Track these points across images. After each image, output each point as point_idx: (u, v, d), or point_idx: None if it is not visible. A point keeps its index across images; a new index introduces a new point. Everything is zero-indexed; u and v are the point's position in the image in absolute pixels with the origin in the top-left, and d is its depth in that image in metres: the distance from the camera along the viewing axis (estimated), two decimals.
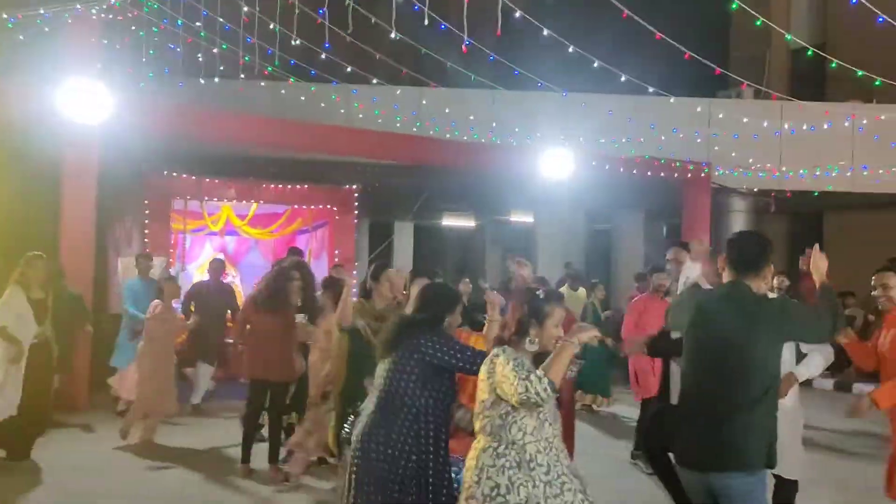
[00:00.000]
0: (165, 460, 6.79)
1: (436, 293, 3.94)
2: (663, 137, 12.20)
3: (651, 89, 10.38)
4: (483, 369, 3.37)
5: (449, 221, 20.70)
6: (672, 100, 11.76)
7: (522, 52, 11.63)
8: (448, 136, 11.71)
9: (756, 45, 17.30)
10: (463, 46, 8.33)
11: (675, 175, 12.07)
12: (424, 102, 12.33)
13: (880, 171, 12.10)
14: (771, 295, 3.77)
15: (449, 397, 3.79)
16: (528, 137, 11.68)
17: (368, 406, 3.78)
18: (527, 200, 16.63)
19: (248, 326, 6.48)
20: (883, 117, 12.29)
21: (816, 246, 3.85)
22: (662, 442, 5.19)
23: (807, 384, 5.21)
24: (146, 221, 10.68)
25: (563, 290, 9.83)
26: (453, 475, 3.75)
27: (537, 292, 3.78)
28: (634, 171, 11.66)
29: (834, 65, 9.86)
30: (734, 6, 8.25)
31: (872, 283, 4.79)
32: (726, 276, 3.60)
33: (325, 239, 12.24)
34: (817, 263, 3.80)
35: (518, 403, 3.18)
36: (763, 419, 3.35)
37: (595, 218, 17.37)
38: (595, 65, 10.05)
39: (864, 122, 12.49)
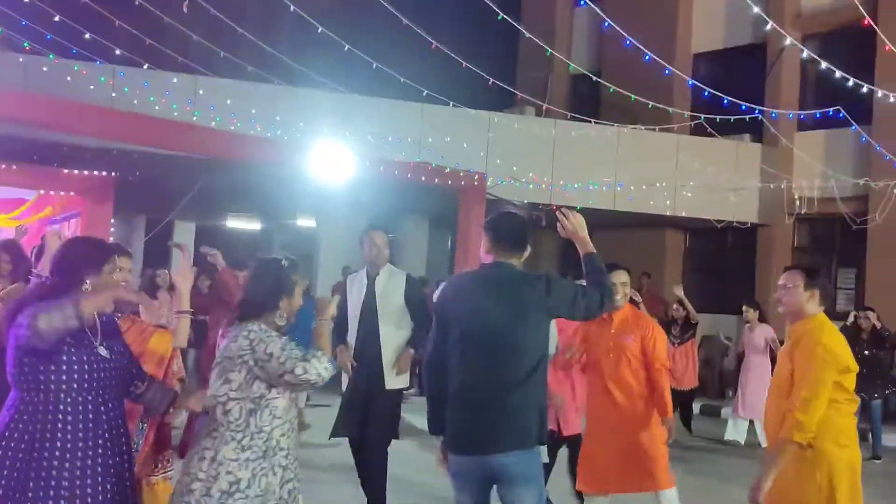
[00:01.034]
0: None
1: (70, 251, 3.19)
2: (444, 145, 12.27)
3: (443, 98, 10.43)
4: (234, 347, 3.04)
5: (233, 223, 19.89)
6: (455, 109, 11.89)
7: (308, 50, 11.35)
8: (232, 128, 11.12)
9: (541, 68, 18.04)
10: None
11: (450, 182, 12.15)
12: (201, 92, 11.67)
13: (631, 188, 12.82)
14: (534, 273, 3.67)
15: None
16: (298, 133, 11.30)
17: None
18: (310, 204, 16.28)
19: None
20: (643, 139, 13.10)
21: (566, 211, 3.72)
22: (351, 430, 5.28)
23: None
24: None
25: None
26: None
27: (283, 262, 3.40)
28: (409, 176, 11.61)
29: (612, 90, 10.34)
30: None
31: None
32: (488, 258, 3.53)
33: (77, 231, 11.19)
34: (575, 228, 3.65)
35: (292, 383, 3.03)
36: (534, 395, 3.38)
37: (379, 225, 17.25)
38: (376, 68, 10.00)
39: (627, 143, 13.29)
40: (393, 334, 5.27)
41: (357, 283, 5.42)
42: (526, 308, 3.38)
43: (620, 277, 4.79)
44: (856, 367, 3.73)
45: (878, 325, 9.29)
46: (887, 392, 9.51)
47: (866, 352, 8.95)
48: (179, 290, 3.86)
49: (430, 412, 3.59)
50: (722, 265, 16.20)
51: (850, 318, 9.64)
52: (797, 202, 13.54)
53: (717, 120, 9.93)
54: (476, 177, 12.58)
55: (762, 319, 9.67)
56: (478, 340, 3.39)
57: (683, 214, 13.87)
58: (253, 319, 3.13)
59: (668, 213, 13.86)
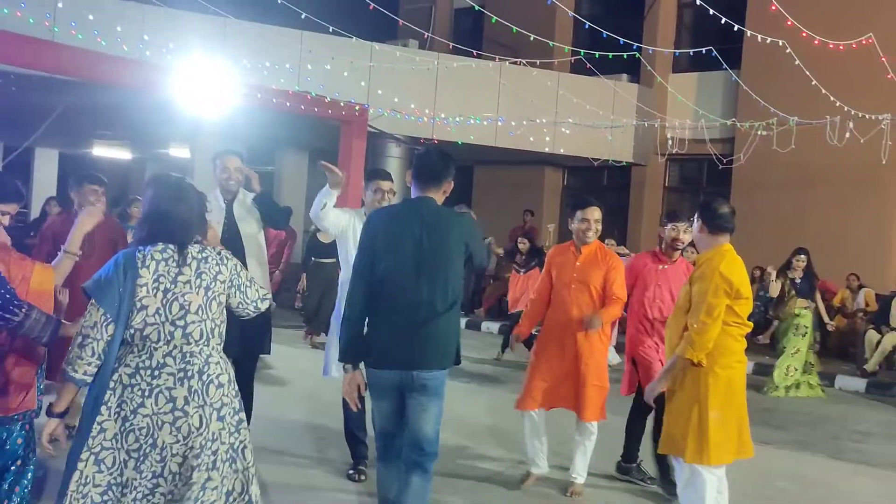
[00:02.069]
0: None
1: None
2: (324, 74, 11.90)
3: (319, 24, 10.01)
4: (226, 270, 3.03)
5: (101, 152, 18.90)
6: (336, 37, 11.50)
7: None
8: (96, 47, 10.37)
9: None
10: None
11: (331, 112, 11.87)
12: (60, 6, 10.82)
13: (512, 124, 12.89)
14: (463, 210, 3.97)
15: None
16: (169, 55, 10.70)
17: None
18: (184, 132, 15.62)
19: None
20: (525, 76, 13.13)
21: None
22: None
23: None
24: None
25: None
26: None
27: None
28: (288, 105, 11.26)
29: (494, 20, 10.23)
30: None
31: (581, 216, 5.06)
32: (414, 192, 3.78)
33: None
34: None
35: (254, 309, 3.17)
36: (455, 323, 3.72)
37: (257, 158, 16.79)
38: None
39: (509, 79, 13.31)
40: (256, 257, 5.19)
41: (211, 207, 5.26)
42: (451, 241, 3.65)
43: (594, 214, 5.06)
44: (749, 294, 3.98)
45: None
46: None
47: None
48: (75, 229, 3.57)
49: (348, 339, 3.72)
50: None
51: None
52: (669, 142, 14.00)
53: (597, 56, 10.06)
54: (357, 108, 12.35)
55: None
56: (410, 267, 3.62)
57: (562, 151, 14.10)
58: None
59: (547, 150, 14.05)
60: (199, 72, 10.36)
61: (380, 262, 3.66)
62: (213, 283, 2.97)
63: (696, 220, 4.11)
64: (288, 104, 11.33)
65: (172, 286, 2.90)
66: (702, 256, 4.07)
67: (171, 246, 2.95)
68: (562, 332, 4.99)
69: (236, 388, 3.02)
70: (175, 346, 2.88)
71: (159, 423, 2.82)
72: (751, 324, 4.06)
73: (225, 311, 3.05)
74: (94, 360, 2.86)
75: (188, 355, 2.89)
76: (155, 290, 2.89)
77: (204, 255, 3.00)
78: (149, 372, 2.84)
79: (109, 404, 2.84)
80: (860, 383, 10.07)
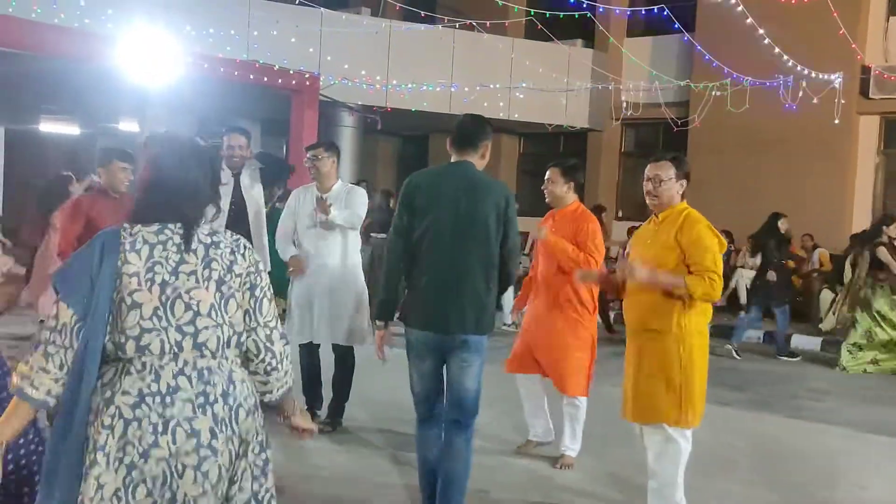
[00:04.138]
0: None
1: None
2: (272, 41, 11.54)
3: None
4: (242, 261, 2.34)
5: (48, 127, 18.32)
6: (282, 4, 11.17)
7: None
8: (33, 16, 9.92)
9: None
10: None
11: (281, 81, 11.57)
12: None
13: (466, 90, 12.70)
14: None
15: None
16: (109, 24, 10.29)
17: None
18: (131, 105, 15.17)
19: None
20: (478, 41, 12.94)
21: None
22: None
23: None
24: None
25: None
26: None
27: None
28: (236, 74, 10.92)
29: None
30: None
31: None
32: (453, 157, 3.82)
33: None
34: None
35: (265, 339, 2.69)
36: (490, 289, 3.74)
37: (209, 130, 16.36)
38: None
39: (462, 44, 13.11)
40: (258, 228, 5.56)
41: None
42: (487, 207, 3.66)
43: (547, 174, 5.04)
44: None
45: None
46: None
47: None
48: None
49: (384, 298, 3.81)
50: None
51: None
52: (624, 105, 13.93)
53: (548, 16, 9.90)
54: (308, 76, 12.05)
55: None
56: (446, 230, 3.67)
57: (517, 117, 13.96)
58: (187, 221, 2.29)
59: (502, 116, 13.89)
60: (142, 40, 9.98)
61: (418, 223, 3.72)
62: (228, 276, 2.26)
63: (674, 176, 3.94)
64: (236, 73, 10.99)
65: (172, 278, 2.20)
66: (672, 210, 3.90)
67: (173, 225, 2.26)
68: (538, 297, 5.04)
69: (262, 417, 2.38)
70: (186, 363, 2.20)
71: (180, 468, 2.16)
72: None
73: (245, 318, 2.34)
74: (62, 375, 2.16)
75: (206, 372, 2.21)
76: (149, 283, 2.18)
77: (215, 238, 2.30)
78: (158, 399, 2.16)
79: (107, 450, 2.13)
80: (816, 341, 10.17)
